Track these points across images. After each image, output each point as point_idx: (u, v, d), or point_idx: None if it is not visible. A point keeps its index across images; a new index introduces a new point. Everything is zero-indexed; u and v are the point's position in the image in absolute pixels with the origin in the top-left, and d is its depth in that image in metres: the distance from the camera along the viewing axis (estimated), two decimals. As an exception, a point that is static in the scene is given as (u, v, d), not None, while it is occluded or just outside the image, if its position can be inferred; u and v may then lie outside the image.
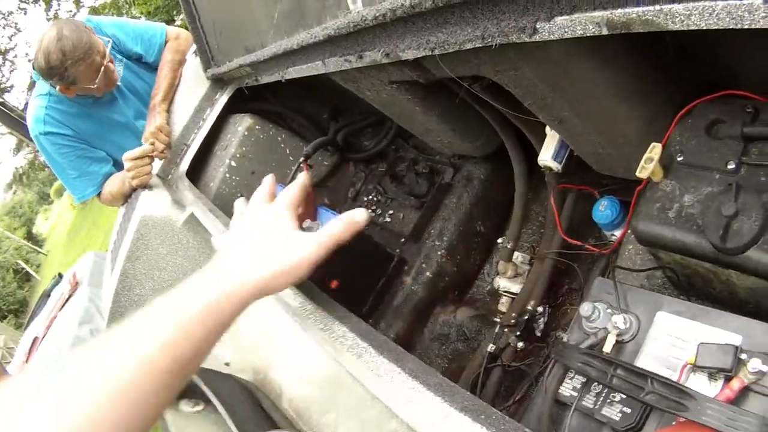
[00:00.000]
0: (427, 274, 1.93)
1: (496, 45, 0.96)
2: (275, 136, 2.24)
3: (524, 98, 1.24)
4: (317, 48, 1.41)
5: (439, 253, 1.94)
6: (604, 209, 1.54)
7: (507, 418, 0.80)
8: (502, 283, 1.79)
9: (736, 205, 0.90)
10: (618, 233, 1.54)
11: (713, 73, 1.15)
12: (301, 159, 2.04)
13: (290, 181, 2.00)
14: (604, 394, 0.98)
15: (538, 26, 0.88)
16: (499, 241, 1.77)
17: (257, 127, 2.21)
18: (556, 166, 1.55)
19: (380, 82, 1.51)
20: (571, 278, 1.73)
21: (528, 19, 0.89)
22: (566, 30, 0.85)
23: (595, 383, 0.99)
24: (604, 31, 0.80)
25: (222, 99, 2.32)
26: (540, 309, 1.63)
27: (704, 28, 0.68)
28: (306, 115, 2.44)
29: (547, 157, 1.55)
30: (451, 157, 2.06)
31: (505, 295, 1.80)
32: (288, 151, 2.24)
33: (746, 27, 0.65)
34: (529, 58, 1.08)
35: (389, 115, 1.80)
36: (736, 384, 0.82)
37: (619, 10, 0.76)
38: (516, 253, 1.80)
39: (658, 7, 0.71)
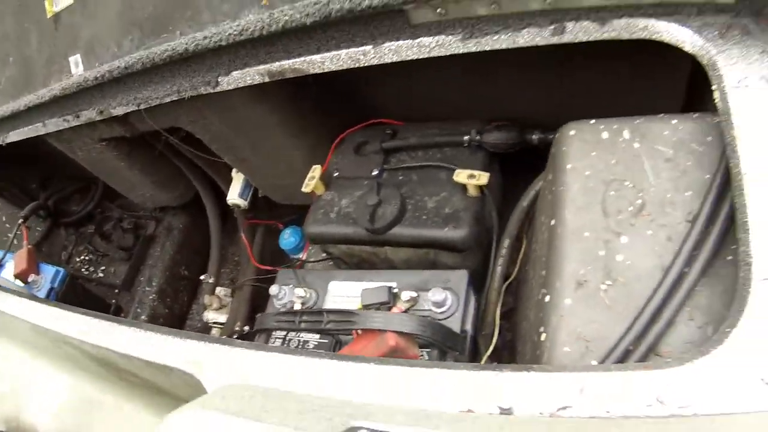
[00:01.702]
0: (143, 317, 2.08)
1: (187, 97, 1.23)
2: (-12, 204, 2.24)
3: (212, 143, 1.51)
4: (40, 110, 1.51)
5: (150, 297, 2.12)
6: (288, 237, 1.82)
7: None
8: (211, 316, 1.99)
9: (379, 197, 1.25)
10: (303, 256, 1.81)
11: (365, 109, 1.52)
12: (20, 221, 2.09)
13: (11, 245, 2.01)
14: (301, 338, 1.22)
15: (219, 79, 1.17)
16: (202, 278, 1.98)
17: (-29, 196, 2.19)
18: (243, 203, 1.84)
19: (91, 140, 1.66)
20: (272, 299, 1.99)
21: (212, 74, 1.17)
22: (240, 80, 1.15)
23: (293, 332, 1.23)
24: (267, 79, 1.12)
25: (-63, 168, 2.21)
26: (247, 328, 1.84)
27: (335, 69, 1.03)
28: (15, 183, 2.44)
29: (234, 195, 1.82)
30: (153, 210, 2.26)
31: (215, 327, 2.00)
32: (4, 219, 2.30)
33: (363, 65, 1.00)
34: (215, 107, 1.36)
35: (97, 174, 1.92)
36: (395, 311, 1.11)
37: (276, 63, 1.08)
38: (219, 288, 2.02)
39: (302, 58, 1.05)
